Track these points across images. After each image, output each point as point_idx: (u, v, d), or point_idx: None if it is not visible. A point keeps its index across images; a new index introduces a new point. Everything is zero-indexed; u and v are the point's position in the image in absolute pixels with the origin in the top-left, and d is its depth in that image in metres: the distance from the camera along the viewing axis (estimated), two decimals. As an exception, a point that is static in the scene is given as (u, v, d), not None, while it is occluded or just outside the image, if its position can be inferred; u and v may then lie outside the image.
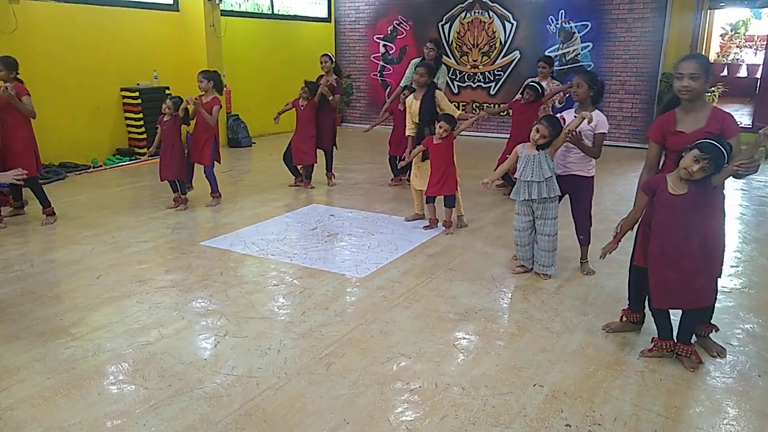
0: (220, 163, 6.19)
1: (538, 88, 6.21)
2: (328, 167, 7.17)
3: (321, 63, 6.98)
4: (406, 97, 6.06)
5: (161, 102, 5.97)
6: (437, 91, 5.46)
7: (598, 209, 5.11)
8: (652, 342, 3.19)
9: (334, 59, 7.05)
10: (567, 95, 6.91)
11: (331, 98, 6.80)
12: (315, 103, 6.66)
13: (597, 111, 4.11)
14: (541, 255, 4.23)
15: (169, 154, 5.86)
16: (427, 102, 5.39)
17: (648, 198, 3.03)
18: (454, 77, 11.31)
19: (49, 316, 3.64)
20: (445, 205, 5.27)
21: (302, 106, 6.66)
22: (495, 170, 4.61)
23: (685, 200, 2.87)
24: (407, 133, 5.63)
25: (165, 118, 5.83)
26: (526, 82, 6.78)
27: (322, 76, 7.01)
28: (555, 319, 3.65)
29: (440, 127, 5.04)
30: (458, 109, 5.54)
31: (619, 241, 3.24)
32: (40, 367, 3.06)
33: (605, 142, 4.20)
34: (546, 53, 9.93)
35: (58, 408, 2.71)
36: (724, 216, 3.05)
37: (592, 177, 4.24)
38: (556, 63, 9.93)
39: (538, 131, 4.00)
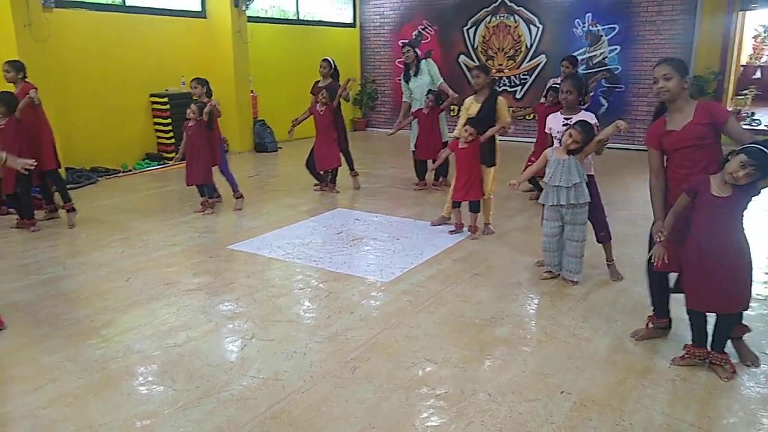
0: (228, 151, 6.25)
1: None
2: (351, 167, 7.18)
3: (320, 68, 6.92)
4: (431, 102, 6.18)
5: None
6: (500, 98, 5.21)
7: (625, 213, 5.05)
8: (684, 349, 3.12)
9: (333, 64, 6.96)
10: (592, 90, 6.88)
11: (346, 98, 6.90)
12: (334, 107, 6.70)
13: (583, 112, 4.19)
14: (569, 261, 4.17)
15: (195, 159, 5.94)
16: (488, 107, 5.11)
17: (689, 199, 2.97)
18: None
19: (81, 317, 3.71)
20: (470, 210, 5.23)
21: (321, 111, 6.68)
22: (523, 172, 4.54)
23: (728, 203, 2.82)
24: (455, 133, 5.26)
25: (190, 123, 5.91)
26: (548, 84, 6.73)
27: (318, 81, 7.00)
28: (583, 325, 3.60)
29: (466, 131, 4.99)
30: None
31: (667, 243, 3.08)
32: (72, 367, 3.12)
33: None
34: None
35: (89, 407, 2.76)
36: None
37: (592, 175, 4.23)
38: (583, 66, 9.82)
39: (571, 136, 3.92)
